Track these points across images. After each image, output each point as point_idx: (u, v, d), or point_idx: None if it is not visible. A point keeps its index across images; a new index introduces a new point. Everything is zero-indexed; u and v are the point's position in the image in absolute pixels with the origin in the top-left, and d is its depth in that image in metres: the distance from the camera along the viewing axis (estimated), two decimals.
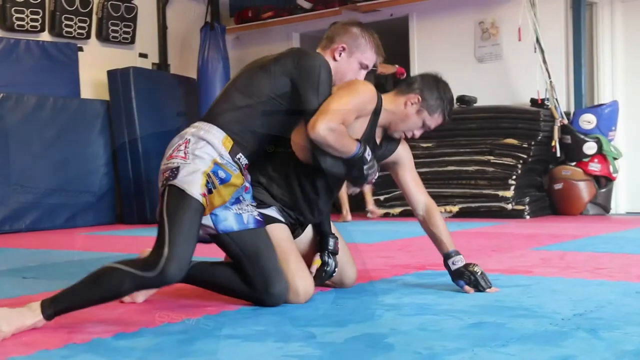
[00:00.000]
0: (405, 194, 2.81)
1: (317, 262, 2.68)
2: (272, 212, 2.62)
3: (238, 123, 2.50)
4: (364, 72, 2.73)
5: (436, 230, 2.73)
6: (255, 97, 2.50)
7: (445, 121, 2.71)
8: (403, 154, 2.80)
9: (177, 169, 2.42)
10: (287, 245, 2.57)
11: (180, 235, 2.26)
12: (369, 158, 2.51)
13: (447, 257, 2.71)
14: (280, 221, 2.62)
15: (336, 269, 2.71)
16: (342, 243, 2.81)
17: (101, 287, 2.20)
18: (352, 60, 2.67)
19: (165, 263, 2.19)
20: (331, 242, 2.71)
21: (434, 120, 2.68)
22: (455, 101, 2.56)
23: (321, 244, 2.73)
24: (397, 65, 7.44)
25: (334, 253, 2.71)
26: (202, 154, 2.44)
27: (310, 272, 2.63)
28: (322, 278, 2.69)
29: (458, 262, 2.68)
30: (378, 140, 2.71)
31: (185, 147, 2.51)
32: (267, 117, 2.51)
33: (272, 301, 2.44)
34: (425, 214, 2.76)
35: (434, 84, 2.68)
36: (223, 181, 2.41)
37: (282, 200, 2.64)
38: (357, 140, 2.50)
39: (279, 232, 2.57)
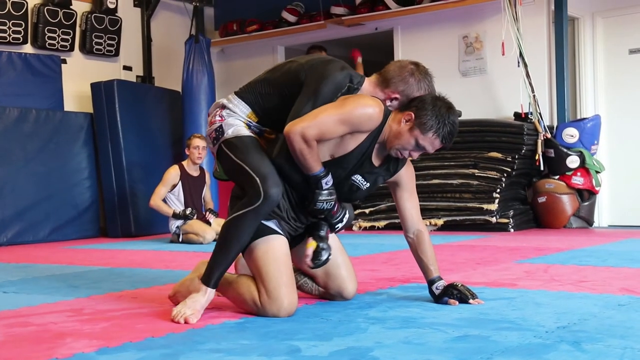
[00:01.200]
0: (400, 214, 2.81)
1: (311, 244, 2.65)
2: (272, 224, 2.63)
3: (260, 106, 2.71)
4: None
5: (424, 257, 2.76)
6: (274, 88, 2.70)
7: (444, 144, 2.58)
8: (404, 176, 2.76)
9: (221, 127, 2.70)
10: (282, 258, 2.57)
11: (258, 163, 2.57)
12: (325, 188, 2.55)
13: (431, 282, 2.73)
14: (279, 234, 2.62)
15: (331, 254, 2.67)
16: (342, 253, 2.81)
17: (234, 238, 2.53)
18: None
19: (263, 187, 2.51)
20: (323, 226, 2.68)
21: (428, 141, 2.56)
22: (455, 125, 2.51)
23: (313, 227, 2.71)
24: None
25: (325, 238, 2.68)
26: (236, 117, 2.72)
27: (306, 255, 2.64)
28: (319, 260, 2.65)
29: (441, 286, 2.71)
30: (379, 159, 2.67)
31: (221, 112, 2.73)
32: (278, 110, 2.67)
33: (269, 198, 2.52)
34: (415, 238, 2.78)
35: (432, 102, 2.59)
36: (259, 134, 2.73)
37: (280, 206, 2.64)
38: (324, 166, 2.56)
39: (276, 244, 2.59)
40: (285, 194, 2.64)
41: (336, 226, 2.71)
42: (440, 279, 2.73)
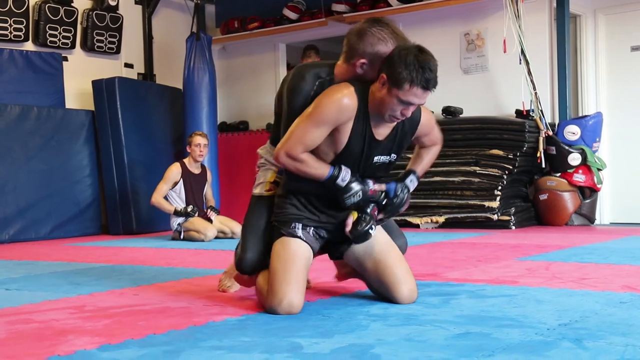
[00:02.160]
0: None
1: (354, 214, 2.62)
2: (296, 230, 2.63)
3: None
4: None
5: (420, 157, 2.83)
6: (278, 118, 2.79)
7: (427, 89, 2.45)
8: (423, 126, 2.73)
9: (256, 179, 2.87)
10: (294, 258, 2.56)
11: (249, 230, 2.77)
12: (344, 185, 2.53)
13: (408, 172, 2.75)
14: (301, 239, 2.62)
15: (373, 229, 2.60)
16: (394, 251, 2.73)
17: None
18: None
19: (240, 253, 2.77)
20: (370, 205, 2.62)
21: (410, 94, 2.43)
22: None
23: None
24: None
25: (367, 212, 2.61)
26: (266, 167, 2.87)
27: (347, 224, 2.61)
28: (357, 230, 2.60)
29: (410, 182, 2.72)
30: (386, 130, 2.59)
31: (257, 162, 2.92)
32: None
33: None
34: (426, 147, 2.84)
35: (398, 54, 2.45)
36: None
37: (307, 207, 2.66)
38: (333, 165, 2.54)
39: (293, 246, 2.60)
40: (312, 206, 2.64)
41: (386, 206, 2.63)
42: (413, 174, 2.73)
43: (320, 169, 2.54)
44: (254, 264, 2.73)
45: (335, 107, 2.49)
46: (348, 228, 2.60)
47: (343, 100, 2.49)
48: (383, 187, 2.64)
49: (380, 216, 2.66)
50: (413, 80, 2.41)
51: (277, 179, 2.78)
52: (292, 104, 2.62)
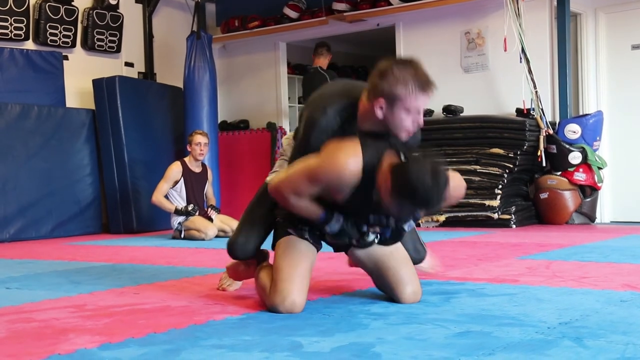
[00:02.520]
0: None
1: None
2: (303, 231, 2.63)
3: None
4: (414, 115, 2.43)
5: None
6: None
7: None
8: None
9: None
10: (299, 257, 2.56)
11: (246, 216, 2.85)
12: (330, 231, 2.53)
13: None
14: (308, 240, 2.63)
15: (376, 239, 2.61)
16: (398, 251, 2.71)
17: None
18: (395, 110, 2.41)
19: (232, 236, 2.88)
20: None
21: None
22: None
23: None
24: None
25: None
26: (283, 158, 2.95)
27: None
28: (361, 244, 2.62)
29: (408, 227, 2.68)
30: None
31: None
32: None
33: None
34: None
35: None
36: None
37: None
38: (326, 210, 2.51)
39: (297, 245, 2.61)
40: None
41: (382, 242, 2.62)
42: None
43: (310, 212, 2.52)
44: (244, 249, 2.80)
45: (334, 174, 2.36)
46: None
47: (344, 170, 2.34)
48: (377, 229, 2.60)
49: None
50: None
51: None
52: (307, 135, 2.52)
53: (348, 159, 2.34)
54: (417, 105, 2.39)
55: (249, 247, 2.80)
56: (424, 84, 2.37)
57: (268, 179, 2.84)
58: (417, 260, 2.81)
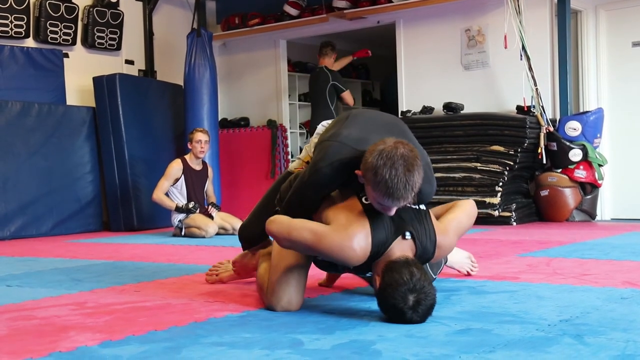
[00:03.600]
0: None
1: None
2: None
3: None
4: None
5: None
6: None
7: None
8: (440, 249, 2.47)
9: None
10: (296, 257, 2.55)
11: (260, 203, 2.96)
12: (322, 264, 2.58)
13: None
14: None
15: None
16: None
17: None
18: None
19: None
20: None
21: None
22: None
23: None
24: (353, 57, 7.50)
25: None
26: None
27: None
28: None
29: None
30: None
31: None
32: None
33: None
34: None
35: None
36: None
37: None
38: None
39: None
40: None
41: None
42: None
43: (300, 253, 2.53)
44: (252, 232, 2.92)
45: (340, 255, 2.30)
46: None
47: (354, 255, 2.29)
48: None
49: None
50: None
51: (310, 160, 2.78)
52: (308, 179, 2.46)
53: (359, 246, 2.28)
54: (387, 206, 2.28)
55: (257, 230, 2.84)
56: (395, 193, 2.22)
57: (290, 165, 2.93)
58: None
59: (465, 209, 2.65)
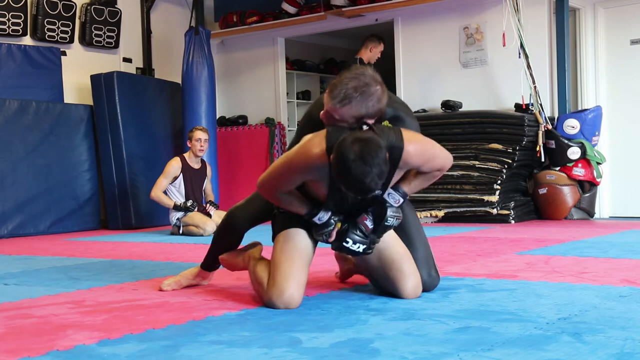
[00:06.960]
0: None
1: (338, 225, 2.59)
2: (298, 221, 2.63)
3: None
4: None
5: (410, 177, 2.64)
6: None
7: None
8: (412, 157, 2.53)
9: None
10: (297, 252, 2.57)
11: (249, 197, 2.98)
12: (320, 222, 2.55)
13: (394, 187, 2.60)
14: (304, 229, 2.63)
15: (363, 248, 2.56)
16: (399, 245, 2.69)
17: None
18: None
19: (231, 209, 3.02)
20: (361, 215, 2.56)
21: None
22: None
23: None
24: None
25: (357, 227, 2.55)
26: None
27: (330, 235, 2.59)
28: (338, 244, 2.58)
29: (391, 199, 2.58)
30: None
31: None
32: None
33: None
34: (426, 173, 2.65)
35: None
36: None
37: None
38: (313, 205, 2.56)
39: (296, 239, 2.61)
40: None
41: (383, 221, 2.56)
42: (399, 191, 2.58)
43: (296, 206, 2.59)
44: (241, 219, 2.89)
45: (303, 154, 2.47)
46: (331, 239, 2.59)
47: (308, 149, 2.46)
48: (363, 224, 2.57)
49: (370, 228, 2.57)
50: (343, 184, 2.34)
51: None
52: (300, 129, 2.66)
53: (312, 142, 2.46)
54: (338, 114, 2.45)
55: (245, 216, 2.88)
56: (339, 96, 2.44)
57: None
58: (429, 286, 2.77)
59: (442, 150, 2.70)
